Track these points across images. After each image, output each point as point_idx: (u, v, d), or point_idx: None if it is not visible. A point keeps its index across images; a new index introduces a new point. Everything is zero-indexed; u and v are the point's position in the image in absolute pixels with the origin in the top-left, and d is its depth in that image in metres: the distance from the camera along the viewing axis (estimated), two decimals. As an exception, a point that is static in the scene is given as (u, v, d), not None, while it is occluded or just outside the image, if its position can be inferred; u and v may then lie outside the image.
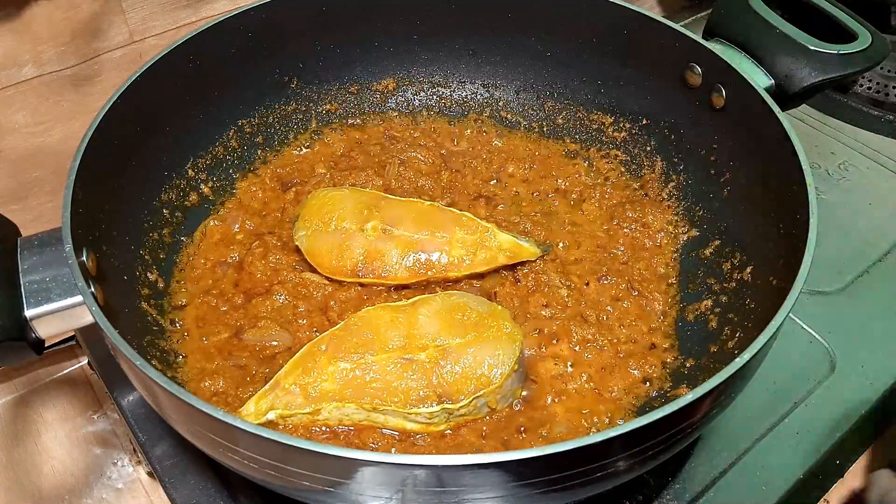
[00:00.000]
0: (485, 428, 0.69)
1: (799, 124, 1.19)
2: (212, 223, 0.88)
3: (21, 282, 0.61)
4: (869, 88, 1.22)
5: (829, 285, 0.95)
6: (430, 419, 0.67)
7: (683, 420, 0.55)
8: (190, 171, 0.89)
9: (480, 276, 0.83)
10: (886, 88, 1.20)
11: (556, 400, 0.73)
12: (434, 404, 0.66)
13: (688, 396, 0.52)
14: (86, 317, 0.60)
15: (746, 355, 0.55)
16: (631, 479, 0.62)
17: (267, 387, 0.69)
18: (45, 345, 0.64)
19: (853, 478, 0.79)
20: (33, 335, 0.62)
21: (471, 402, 0.67)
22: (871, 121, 1.19)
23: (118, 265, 0.74)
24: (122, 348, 0.56)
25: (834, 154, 1.15)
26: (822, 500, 0.77)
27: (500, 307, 0.74)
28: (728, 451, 0.79)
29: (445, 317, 0.71)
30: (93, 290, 0.61)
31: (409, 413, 0.66)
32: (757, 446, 0.79)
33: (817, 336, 0.90)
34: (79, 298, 0.60)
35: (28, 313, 0.60)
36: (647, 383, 0.75)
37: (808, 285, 0.93)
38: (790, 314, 0.59)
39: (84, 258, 0.63)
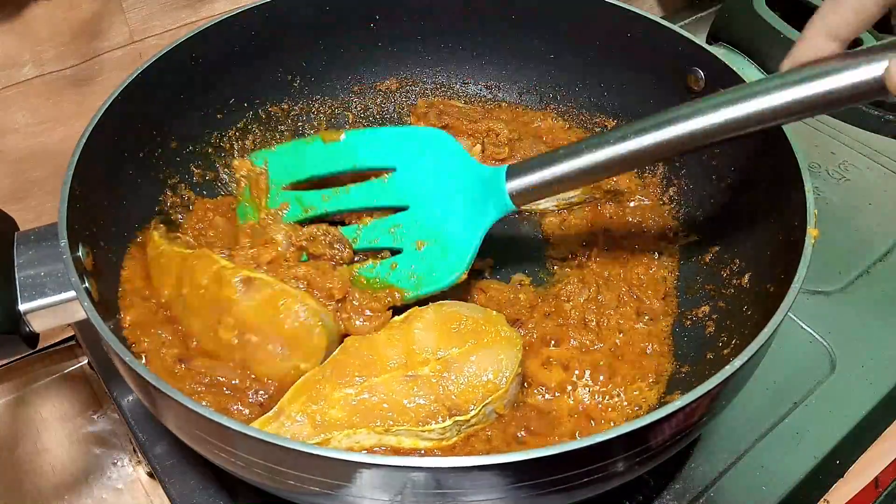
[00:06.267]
0: (490, 433, 0.69)
1: (799, 124, 1.17)
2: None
3: (16, 276, 0.61)
4: (869, 88, 1.21)
5: (829, 285, 0.95)
6: (442, 434, 0.65)
7: (675, 425, 0.55)
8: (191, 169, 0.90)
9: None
10: (887, 88, 1.20)
11: (555, 404, 0.73)
12: (446, 418, 0.65)
13: (676, 403, 0.52)
14: (79, 312, 0.60)
15: (738, 362, 0.55)
16: (631, 480, 0.62)
17: (270, 413, 0.66)
18: (45, 340, 0.64)
19: (853, 478, 0.79)
20: (27, 329, 0.62)
21: (480, 410, 0.66)
22: (871, 121, 1.19)
23: (115, 261, 0.74)
24: (114, 345, 0.56)
25: (834, 154, 1.15)
26: (822, 499, 0.77)
27: (494, 312, 0.73)
28: (728, 451, 0.79)
29: (441, 328, 0.70)
30: (87, 285, 0.61)
31: (422, 431, 0.65)
32: (757, 446, 0.79)
33: (817, 336, 0.90)
34: (73, 293, 0.60)
35: (22, 307, 0.60)
36: (644, 388, 0.75)
37: (808, 285, 0.93)
38: (790, 314, 0.59)
39: (80, 254, 0.64)
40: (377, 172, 0.80)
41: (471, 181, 0.75)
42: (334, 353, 0.70)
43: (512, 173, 0.72)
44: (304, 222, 0.80)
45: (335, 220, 0.82)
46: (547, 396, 0.74)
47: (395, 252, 0.78)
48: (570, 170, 0.67)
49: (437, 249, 0.76)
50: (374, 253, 0.79)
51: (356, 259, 0.80)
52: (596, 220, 0.90)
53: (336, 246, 0.77)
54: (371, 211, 0.81)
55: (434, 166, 0.78)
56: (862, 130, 1.18)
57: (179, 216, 0.86)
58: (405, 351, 0.68)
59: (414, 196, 0.78)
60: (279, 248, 0.75)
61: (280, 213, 0.81)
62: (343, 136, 0.80)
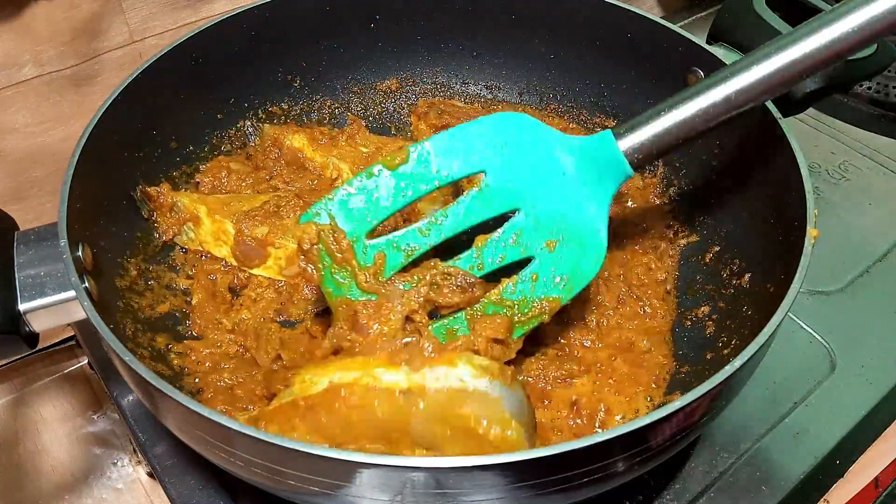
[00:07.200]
0: None
1: (799, 124, 1.19)
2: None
3: (16, 275, 0.61)
4: (869, 88, 1.21)
5: (829, 285, 0.95)
6: None
7: (675, 425, 0.55)
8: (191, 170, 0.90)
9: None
10: (886, 88, 1.20)
11: (555, 404, 0.73)
12: None
13: (676, 403, 0.52)
14: (79, 312, 0.60)
15: (738, 362, 0.55)
16: (631, 480, 0.62)
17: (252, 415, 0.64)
18: (45, 340, 0.64)
19: (853, 478, 0.79)
20: (27, 329, 0.62)
21: None
22: (871, 121, 1.19)
23: (116, 260, 0.74)
24: (114, 345, 0.56)
25: (834, 154, 1.15)
26: (822, 500, 0.77)
27: (515, 434, 0.58)
28: (728, 451, 0.79)
29: (446, 424, 0.58)
30: (87, 285, 0.61)
31: None
32: (757, 446, 0.79)
33: (817, 336, 0.90)
34: (73, 293, 0.60)
35: (22, 307, 0.60)
36: (643, 389, 0.75)
37: (808, 285, 0.93)
38: (790, 314, 0.59)
39: (80, 253, 0.64)
40: (466, 182, 0.70)
41: (575, 159, 0.68)
42: (317, 388, 0.60)
43: (620, 135, 0.68)
44: (407, 268, 0.68)
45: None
46: (546, 396, 0.73)
47: (522, 263, 0.69)
48: (685, 116, 0.66)
49: (571, 243, 0.69)
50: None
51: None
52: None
53: (466, 285, 0.66)
54: (476, 228, 0.69)
55: (527, 155, 0.68)
56: (862, 130, 1.18)
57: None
58: (393, 429, 0.58)
59: (520, 194, 0.68)
60: (393, 319, 0.64)
61: (378, 270, 0.67)
62: (411, 155, 0.67)
